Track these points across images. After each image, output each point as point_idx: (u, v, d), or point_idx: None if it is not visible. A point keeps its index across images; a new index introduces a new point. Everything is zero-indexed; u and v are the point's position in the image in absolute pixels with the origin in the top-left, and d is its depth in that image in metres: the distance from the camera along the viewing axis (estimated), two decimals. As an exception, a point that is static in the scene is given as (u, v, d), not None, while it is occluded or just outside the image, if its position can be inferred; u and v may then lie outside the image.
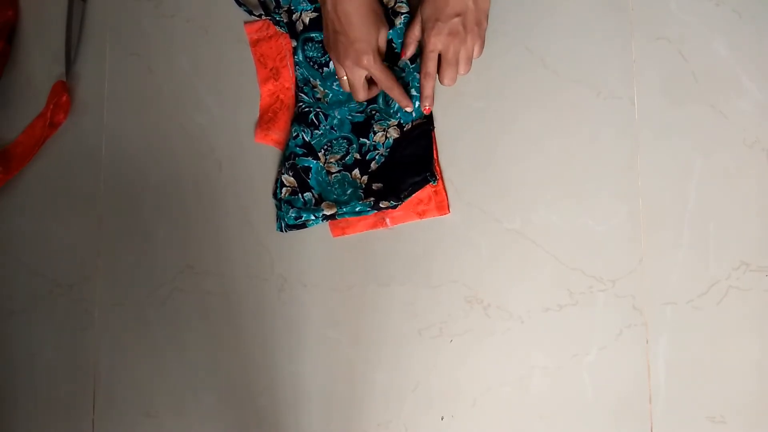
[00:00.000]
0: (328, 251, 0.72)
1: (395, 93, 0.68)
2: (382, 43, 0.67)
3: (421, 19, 0.67)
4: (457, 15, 0.64)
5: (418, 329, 0.69)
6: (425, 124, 0.69)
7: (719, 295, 0.62)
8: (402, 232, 0.70)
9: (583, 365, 0.65)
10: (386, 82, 0.67)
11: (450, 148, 0.70)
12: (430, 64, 0.67)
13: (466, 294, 0.68)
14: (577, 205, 0.66)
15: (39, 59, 0.84)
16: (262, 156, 0.75)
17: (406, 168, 0.69)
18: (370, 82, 0.69)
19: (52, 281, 0.81)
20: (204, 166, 0.77)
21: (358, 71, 0.66)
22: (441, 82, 0.68)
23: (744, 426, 0.61)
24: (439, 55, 0.67)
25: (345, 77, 0.68)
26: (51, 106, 0.80)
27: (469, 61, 0.67)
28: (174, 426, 0.76)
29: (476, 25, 0.65)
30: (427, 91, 0.68)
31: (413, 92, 0.69)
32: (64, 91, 0.81)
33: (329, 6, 0.65)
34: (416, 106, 0.69)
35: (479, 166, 0.69)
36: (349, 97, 0.72)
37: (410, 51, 0.69)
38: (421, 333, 0.69)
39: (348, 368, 0.71)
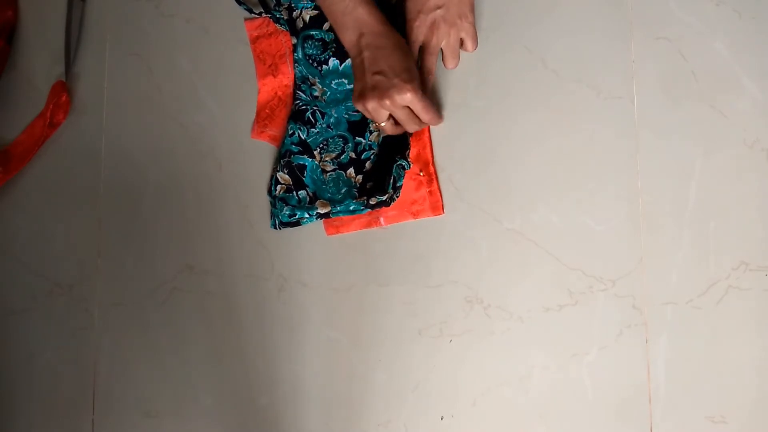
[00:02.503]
0: (329, 251, 0.72)
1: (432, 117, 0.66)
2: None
3: (405, 11, 0.67)
4: (438, 7, 0.65)
5: (418, 329, 0.69)
6: None
7: (719, 295, 0.62)
8: (402, 232, 0.70)
9: (583, 365, 0.65)
10: (435, 119, 0.65)
11: (450, 148, 0.70)
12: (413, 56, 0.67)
13: (466, 294, 0.68)
14: (577, 205, 0.66)
15: (39, 59, 0.84)
16: (263, 156, 0.75)
17: (388, 161, 0.69)
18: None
19: (52, 281, 0.81)
20: (204, 165, 0.77)
21: (400, 105, 0.63)
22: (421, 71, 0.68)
23: (744, 426, 0.61)
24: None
25: (384, 123, 0.66)
26: (51, 106, 0.80)
27: (455, 54, 0.67)
28: (174, 426, 0.76)
29: (459, 18, 0.65)
30: None
31: None
32: (63, 90, 0.81)
33: (364, 45, 0.63)
34: None
35: (479, 166, 0.69)
36: (347, 95, 0.72)
37: (414, 48, 0.69)
38: (421, 333, 0.69)
39: (348, 368, 0.71)
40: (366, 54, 0.63)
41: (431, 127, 0.70)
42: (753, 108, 0.63)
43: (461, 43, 0.67)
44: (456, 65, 0.68)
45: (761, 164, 0.62)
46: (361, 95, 0.64)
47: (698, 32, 0.64)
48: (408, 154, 0.69)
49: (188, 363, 0.76)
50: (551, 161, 0.67)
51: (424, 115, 0.64)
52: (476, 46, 0.68)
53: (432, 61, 0.67)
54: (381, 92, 0.62)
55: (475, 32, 0.67)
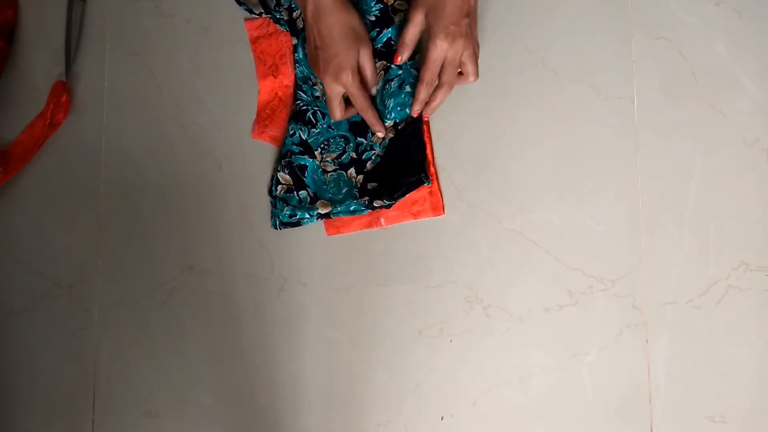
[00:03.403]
0: (329, 251, 0.72)
1: (368, 116, 0.68)
2: (364, 62, 0.66)
3: (427, 23, 0.64)
4: (466, 16, 0.63)
5: (418, 329, 0.69)
6: (416, 122, 0.69)
7: (719, 295, 0.62)
8: (402, 232, 0.70)
9: (583, 365, 0.65)
10: (361, 103, 0.67)
11: (450, 148, 0.70)
12: (434, 72, 0.65)
13: (466, 294, 0.68)
14: (577, 205, 0.66)
15: (39, 59, 0.84)
16: (263, 156, 0.75)
17: (400, 168, 0.69)
18: (348, 102, 0.69)
19: (52, 281, 0.81)
20: (204, 165, 0.77)
21: (335, 87, 0.66)
22: (439, 86, 0.66)
23: (744, 426, 0.61)
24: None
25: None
26: (51, 106, 0.80)
27: (476, 63, 0.65)
28: (174, 426, 0.76)
29: (474, 29, 0.64)
30: (421, 95, 0.66)
31: (408, 89, 0.68)
32: (63, 91, 0.81)
33: (310, 20, 0.65)
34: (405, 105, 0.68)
35: (479, 166, 0.69)
36: (348, 96, 0.72)
37: (406, 55, 0.67)
38: (421, 333, 0.69)
39: (348, 368, 0.71)
40: (309, 21, 0.65)
41: (431, 127, 0.70)
42: (753, 108, 0.63)
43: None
44: (474, 75, 0.66)
45: (761, 164, 0.62)
46: (309, 61, 0.68)
47: (698, 32, 0.65)
48: (428, 170, 0.68)
49: (188, 363, 0.76)
50: (551, 161, 0.67)
51: (359, 102, 0.67)
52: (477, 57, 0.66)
53: (454, 74, 0.65)
54: (318, 69, 0.66)
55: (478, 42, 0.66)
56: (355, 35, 0.65)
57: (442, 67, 0.65)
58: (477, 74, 0.66)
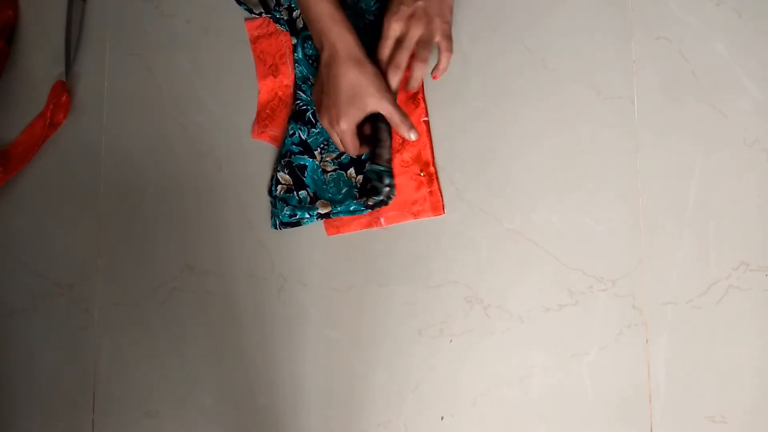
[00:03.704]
0: (329, 251, 0.72)
1: (363, 153, 0.69)
2: (385, 111, 0.65)
3: (388, 5, 0.65)
4: None
5: (418, 329, 0.69)
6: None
7: (719, 295, 0.62)
8: (402, 233, 0.70)
9: (583, 365, 0.65)
10: (351, 149, 0.67)
11: (450, 148, 0.70)
12: (385, 51, 0.65)
13: (466, 294, 0.68)
14: (577, 205, 0.66)
15: (39, 59, 0.84)
16: (262, 156, 0.75)
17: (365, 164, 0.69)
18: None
19: (52, 281, 0.81)
20: (204, 165, 0.77)
21: (330, 130, 0.66)
22: (386, 68, 0.65)
23: (744, 426, 0.61)
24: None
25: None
26: (51, 106, 0.80)
27: (427, 47, 0.65)
28: (174, 426, 0.76)
29: (438, 16, 0.64)
30: None
31: None
32: (63, 91, 0.81)
33: (323, 63, 0.65)
34: None
35: (479, 166, 0.69)
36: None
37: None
38: (421, 333, 0.69)
39: (348, 368, 0.71)
40: (323, 61, 0.64)
41: (431, 127, 0.70)
42: (753, 108, 0.63)
43: (439, 50, 0.66)
44: (426, 62, 0.65)
45: (761, 164, 0.62)
46: (313, 96, 0.68)
47: (698, 32, 0.65)
48: (377, 159, 0.67)
49: (188, 363, 0.76)
50: (551, 161, 0.67)
51: (353, 152, 0.67)
52: (452, 52, 0.66)
53: (404, 56, 0.65)
54: (319, 110, 0.66)
55: (451, 35, 0.65)
56: (363, 90, 0.64)
57: (397, 45, 0.65)
58: (426, 60, 0.65)
